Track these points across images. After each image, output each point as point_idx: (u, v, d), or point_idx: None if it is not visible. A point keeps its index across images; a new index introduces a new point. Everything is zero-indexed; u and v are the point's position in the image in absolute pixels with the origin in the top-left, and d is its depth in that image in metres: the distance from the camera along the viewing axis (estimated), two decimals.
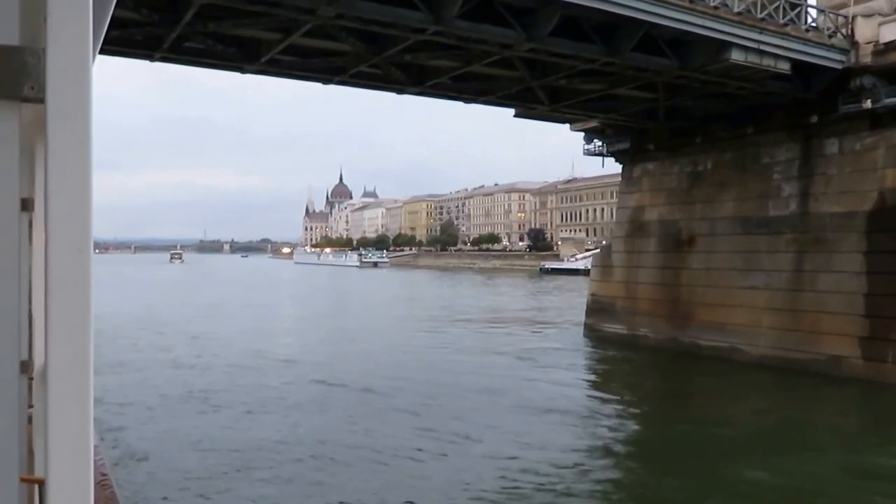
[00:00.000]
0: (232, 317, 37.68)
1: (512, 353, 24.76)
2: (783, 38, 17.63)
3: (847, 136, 20.26)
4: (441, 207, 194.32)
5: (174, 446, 12.83)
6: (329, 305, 50.49)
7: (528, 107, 23.82)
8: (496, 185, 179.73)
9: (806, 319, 20.78)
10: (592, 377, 21.53)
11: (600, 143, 29.47)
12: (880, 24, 18.99)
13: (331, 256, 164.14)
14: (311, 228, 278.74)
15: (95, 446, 1.19)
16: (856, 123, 19.83)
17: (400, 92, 21.97)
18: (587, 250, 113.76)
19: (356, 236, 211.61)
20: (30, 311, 1.96)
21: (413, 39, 16.70)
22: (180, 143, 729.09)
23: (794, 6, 18.35)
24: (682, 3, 16.31)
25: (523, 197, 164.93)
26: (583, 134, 29.91)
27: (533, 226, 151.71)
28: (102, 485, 2.66)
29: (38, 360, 1.73)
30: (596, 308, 28.80)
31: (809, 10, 19.28)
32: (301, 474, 11.57)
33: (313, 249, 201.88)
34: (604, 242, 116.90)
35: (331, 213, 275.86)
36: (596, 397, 18.23)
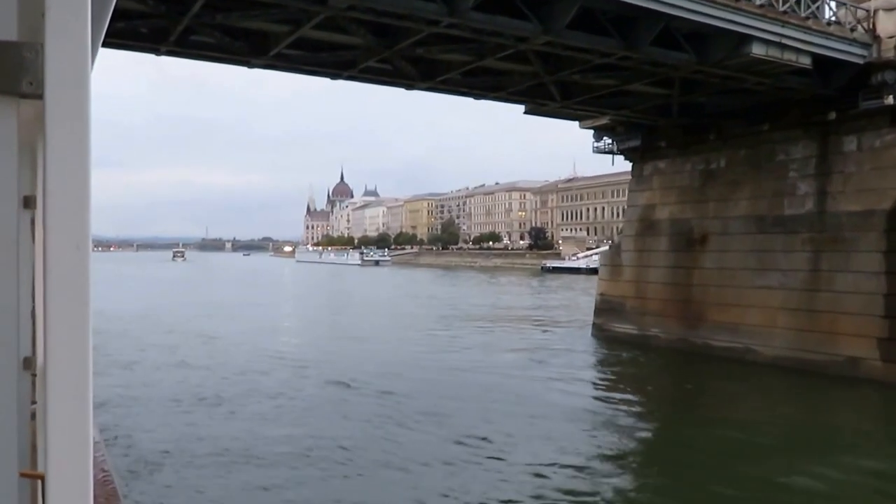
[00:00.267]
0: (239, 315, 37.24)
1: (524, 354, 24.33)
2: (805, 32, 17.20)
3: (866, 133, 19.83)
4: (442, 206, 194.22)
5: (190, 455, 12.23)
6: (335, 304, 50.12)
7: (539, 103, 23.40)
8: (497, 184, 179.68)
9: (823, 320, 20.38)
10: (609, 379, 21.05)
11: (610, 141, 29.05)
12: None
13: (332, 255, 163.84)
14: (313, 227, 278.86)
15: (97, 443, 1.18)
16: (876, 120, 19.40)
17: (409, 87, 21.54)
18: (588, 249, 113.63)
19: (357, 235, 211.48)
20: (33, 308, 2.00)
21: (426, 32, 16.29)
22: (182, 142, 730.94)
23: None
24: None
25: (524, 196, 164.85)
26: (592, 132, 29.54)
27: (533, 224, 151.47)
28: (104, 481, 2.68)
29: (41, 357, 1.66)
30: (605, 308, 28.39)
31: (830, 3, 18.84)
32: (329, 487, 10.99)
33: (315, 248, 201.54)
34: (605, 241, 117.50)
35: (332, 211, 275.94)
36: (615, 400, 17.80)
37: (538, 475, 11.44)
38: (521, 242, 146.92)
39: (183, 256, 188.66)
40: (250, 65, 19.20)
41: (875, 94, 18.85)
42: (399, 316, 38.23)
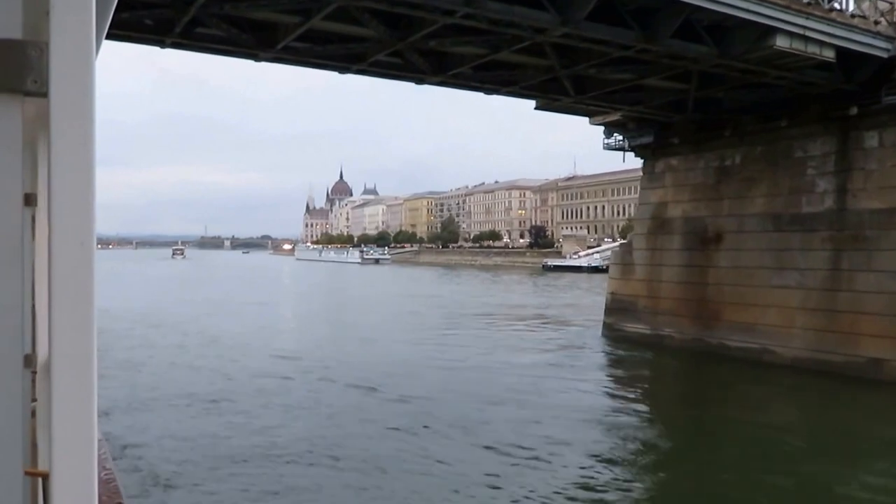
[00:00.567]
0: (243, 314, 36.76)
1: (542, 355, 23.88)
2: (829, 24, 16.68)
3: (888, 129, 19.33)
4: (441, 204, 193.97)
5: (207, 464, 11.56)
6: (339, 303, 49.68)
7: (552, 98, 22.86)
8: (496, 182, 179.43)
9: (843, 320, 19.89)
10: (629, 381, 20.48)
11: (621, 138, 28.58)
12: None
13: (332, 253, 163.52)
14: (312, 225, 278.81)
15: (99, 440, 1.15)
16: None
17: (420, 82, 21.02)
18: (589, 247, 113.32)
19: (356, 233, 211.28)
20: (32, 305, 1.98)
21: (441, 23, 15.76)
22: (182, 141, 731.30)
23: None
24: None
25: (524, 194, 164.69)
26: (599, 129, 29.10)
27: (533, 223, 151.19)
28: (106, 479, 2.67)
29: (41, 355, 1.74)
30: (616, 307, 27.90)
31: None
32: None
33: (315, 246, 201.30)
34: (605, 239, 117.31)
35: (331, 210, 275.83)
36: (637, 402, 17.44)
37: (577, 483, 11.00)
38: (521, 241, 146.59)
39: (182, 254, 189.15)
40: (258, 58, 18.67)
41: None
42: (408, 315, 37.74)
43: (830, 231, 20.65)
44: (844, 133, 20.49)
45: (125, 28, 16.28)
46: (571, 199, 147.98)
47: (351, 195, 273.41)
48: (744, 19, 15.65)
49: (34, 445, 2.00)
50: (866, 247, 19.69)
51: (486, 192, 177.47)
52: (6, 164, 0.98)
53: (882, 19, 18.26)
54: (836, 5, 17.48)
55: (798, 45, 16.43)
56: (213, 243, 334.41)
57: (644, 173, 28.20)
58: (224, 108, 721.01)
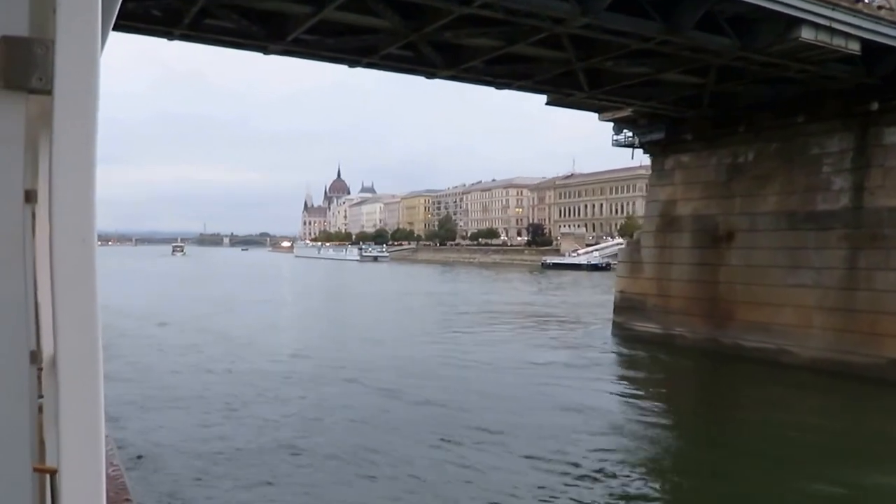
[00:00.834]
0: (248, 313, 36.32)
1: (555, 354, 23.56)
2: (855, 16, 16.26)
3: None
4: (439, 202, 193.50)
5: (230, 476, 11.06)
6: (342, 301, 49.32)
7: (565, 93, 22.42)
8: (494, 180, 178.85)
9: (862, 320, 19.51)
10: (649, 383, 19.95)
11: (630, 134, 28.18)
12: None
13: (331, 251, 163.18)
14: (310, 223, 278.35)
15: (106, 437, 1.14)
16: None
17: (430, 76, 20.58)
18: (588, 245, 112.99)
19: (354, 231, 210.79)
20: (35, 301, 1.96)
21: (457, 13, 15.31)
22: (181, 139, 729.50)
23: None
24: None
25: (521, 192, 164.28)
26: (612, 125, 28.68)
27: (531, 221, 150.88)
28: (113, 475, 2.63)
29: (46, 351, 1.72)
30: (625, 306, 27.51)
31: None
32: None
33: (313, 243, 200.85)
34: (604, 237, 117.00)
35: (329, 207, 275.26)
36: (663, 405, 17.06)
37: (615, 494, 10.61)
38: (519, 239, 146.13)
39: (182, 251, 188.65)
40: (267, 51, 18.22)
41: None
42: (413, 313, 37.36)
43: (847, 229, 20.26)
44: (863, 129, 20.10)
45: (132, 19, 15.82)
46: (569, 197, 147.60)
47: (348, 193, 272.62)
48: (769, 10, 15.21)
49: (41, 442, 2.00)
50: (885, 245, 19.31)
51: (483, 190, 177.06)
52: (8, 161, 0.98)
53: None
54: None
55: (824, 37, 16.01)
56: (212, 240, 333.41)
57: (653, 170, 27.81)
58: (224, 107, 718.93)
